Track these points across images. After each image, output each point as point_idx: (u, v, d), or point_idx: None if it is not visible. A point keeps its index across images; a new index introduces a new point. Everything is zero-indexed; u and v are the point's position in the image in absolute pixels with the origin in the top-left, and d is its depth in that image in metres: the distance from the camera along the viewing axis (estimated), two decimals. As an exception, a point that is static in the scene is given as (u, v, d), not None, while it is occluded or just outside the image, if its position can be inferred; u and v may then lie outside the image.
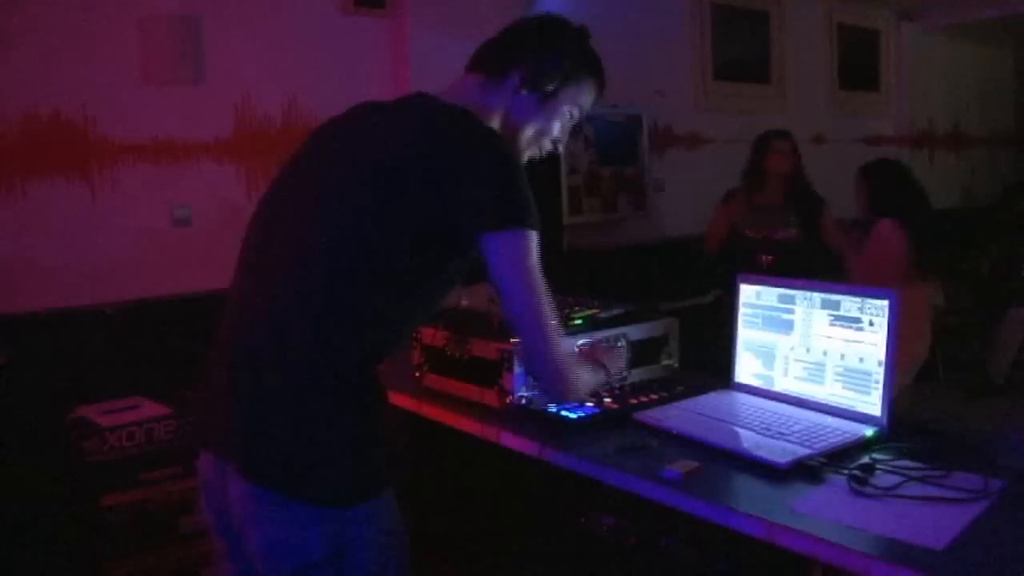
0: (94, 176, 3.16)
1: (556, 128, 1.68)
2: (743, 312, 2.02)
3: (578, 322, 2.07)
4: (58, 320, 3.05)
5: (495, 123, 1.60)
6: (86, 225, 3.14)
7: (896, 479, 1.49)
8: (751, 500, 1.47)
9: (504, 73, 1.60)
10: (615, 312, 2.16)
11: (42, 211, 3.05)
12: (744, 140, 5.28)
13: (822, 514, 1.38)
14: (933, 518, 1.35)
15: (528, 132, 1.64)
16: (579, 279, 3.86)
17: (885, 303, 1.73)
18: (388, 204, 1.40)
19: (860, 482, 1.47)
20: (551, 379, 1.53)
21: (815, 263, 3.84)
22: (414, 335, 2.19)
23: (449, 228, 1.41)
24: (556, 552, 2.24)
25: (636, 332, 2.12)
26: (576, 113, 1.69)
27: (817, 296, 1.86)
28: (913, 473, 1.51)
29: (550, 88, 1.61)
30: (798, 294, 1.90)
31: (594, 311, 2.15)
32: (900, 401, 3.46)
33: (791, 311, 1.91)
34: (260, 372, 1.40)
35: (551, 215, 4.10)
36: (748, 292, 2.02)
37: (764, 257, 3.93)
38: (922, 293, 3.57)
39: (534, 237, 1.44)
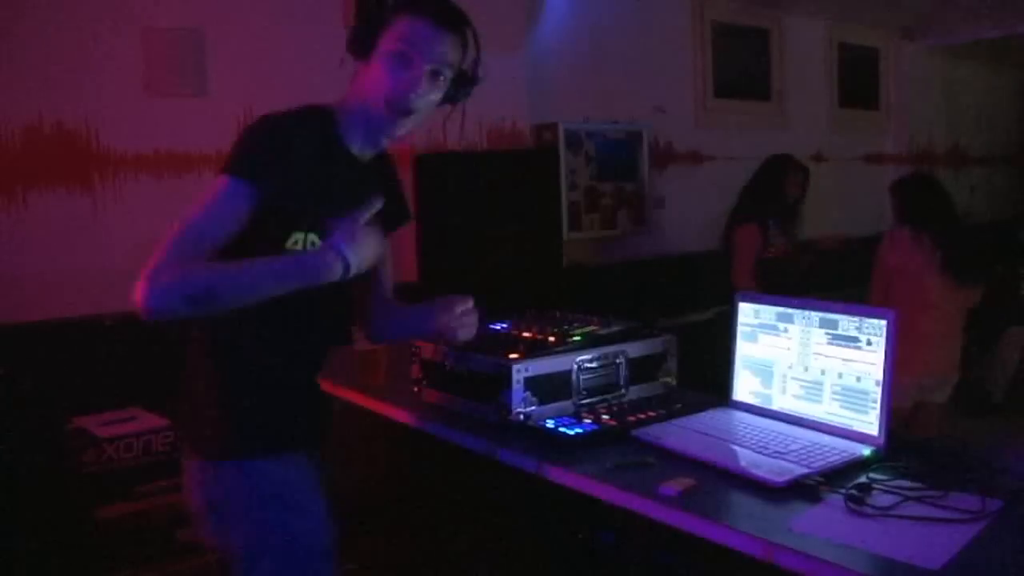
0: (96, 187, 3.17)
1: (390, 80, 1.60)
2: (741, 330, 2.03)
3: (577, 338, 2.07)
4: (57, 330, 3.05)
5: (353, 106, 1.66)
6: (87, 236, 3.14)
7: (894, 499, 1.49)
8: (748, 518, 1.47)
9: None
10: (614, 329, 2.16)
11: (43, 221, 3.06)
12: (744, 157, 5.30)
13: (819, 533, 1.38)
14: (930, 538, 1.35)
15: (374, 102, 1.62)
16: (578, 295, 3.88)
17: (883, 323, 1.73)
18: None
19: (857, 502, 1.47)
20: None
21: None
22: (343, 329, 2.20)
23: None
24: (554, 568, 2.23)
25: (635, 349, 2.13)
26: (406, 48, 1.59)
27: (815, 315, 1.87)
28: (910, 493, 1.51)
29: (363, 47, 1.62)
30: (796, 312, 1.91)
31: (593, 328, 2.16)
32: (929, 423, 3.51)
33: (789, 330, 1.92)
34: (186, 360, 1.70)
35: (550, 231, 4.11)
36: (746, 310, 2.02)
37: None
38: (948, 303, 3.56)
39: (227, 181, 1.53)
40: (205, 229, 1.49)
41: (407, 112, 1.62)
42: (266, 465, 1.62)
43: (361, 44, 1.62)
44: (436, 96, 1.65)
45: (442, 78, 1.64)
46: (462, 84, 1.70)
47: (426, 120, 1.69)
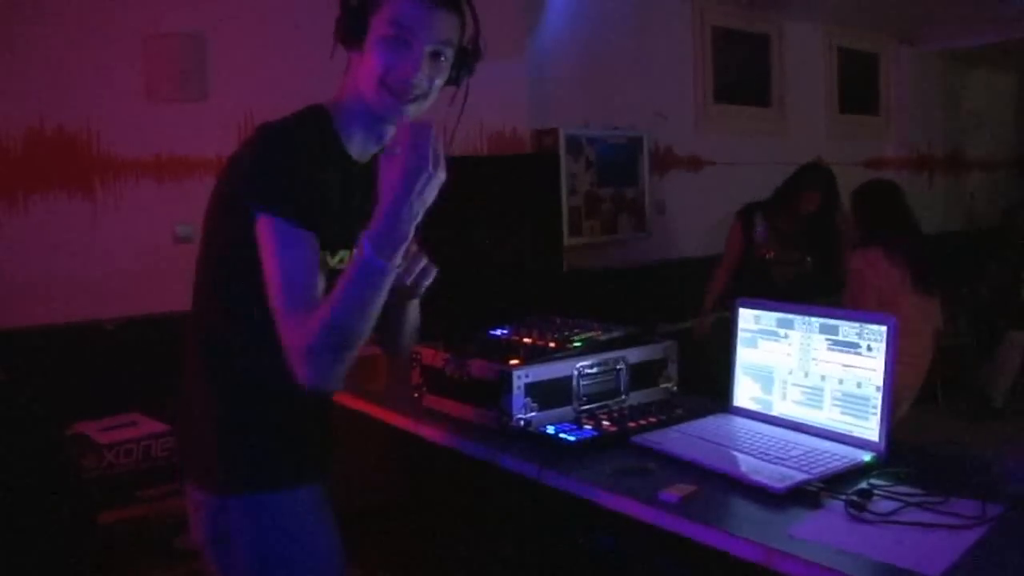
0: (97, 192, 3.17)
1: (386, 63, 1.47)
2: (742, 336, 2.03)
3: (578, 344, 2.07)
4: (58, 335, 3.05)
5: (349, 100, 1.55)
6: (88, 241, 3.14)
7: (894, 505, 1.49)
8: (749, 524, 1.47)
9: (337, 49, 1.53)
10: (615, 335, 2.16)
11: (44, 226, 3.06)
12: (744, 163, 5.32)
13: (820, 539, 1.38)
14: (931, 544, 1.35)
15: (371, 89, 1.49)
16: (579, 301, 3.88)
17: (884, 328, 1.74)
18: (208, 215, 1.56)
19: (858, 508, 1.47)
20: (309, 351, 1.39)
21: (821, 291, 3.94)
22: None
23: (233, 211, 1.47)
24: (554, 574, 2.23)
25: (635, 355, 2.13)
26: (401, 32, 1.46)
27: (816, 321, 1.87)
28: (911, 499, 1.51)
29: (353, 34, 1.49)
30: (797, 319, 1.91)
31: (594, 333, 2.16)
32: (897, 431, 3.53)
33: (790, 336, 1.92)
34: (182, 377, 1.61)
35: (551, 236, 4.11)
36: (747, 316, 2.03)
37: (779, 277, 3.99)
38: (921, 319, 3.57)
39: (277, 223, 1.42)
40: (302, 281, 1.42)
41: (407, 97, 1.49)
42: (274, 499, 1.53)
43: (351, 32, 1.49)
44: (441, 79, 1.52)
45: (443, 58, 1.50)
46: (465, 62, 1.57)
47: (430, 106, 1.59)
